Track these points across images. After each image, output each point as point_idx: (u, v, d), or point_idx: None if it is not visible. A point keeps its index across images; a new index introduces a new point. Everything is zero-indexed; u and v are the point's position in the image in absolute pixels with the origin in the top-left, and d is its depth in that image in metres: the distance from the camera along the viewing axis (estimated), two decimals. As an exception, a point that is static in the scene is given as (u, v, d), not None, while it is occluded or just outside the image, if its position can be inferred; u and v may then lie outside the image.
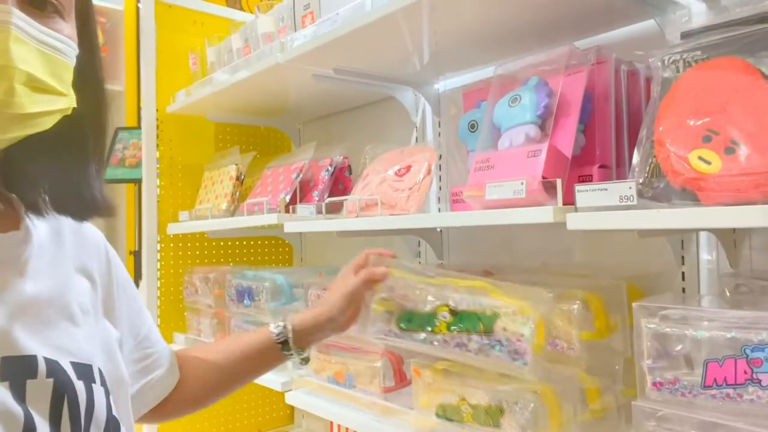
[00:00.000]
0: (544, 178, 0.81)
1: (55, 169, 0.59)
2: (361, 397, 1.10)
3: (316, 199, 1.39)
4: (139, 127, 3.28)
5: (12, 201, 0.60)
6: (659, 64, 0.74)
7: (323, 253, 1.92)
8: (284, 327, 0.86)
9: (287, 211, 1.34)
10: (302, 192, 1.43)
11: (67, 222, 0.63)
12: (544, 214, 0.75)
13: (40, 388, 0.50)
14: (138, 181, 3.10)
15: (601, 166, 0.92)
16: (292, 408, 2.03)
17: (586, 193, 0.72)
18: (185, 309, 1.77)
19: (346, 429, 1.32)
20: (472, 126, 1.08)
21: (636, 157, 0.71)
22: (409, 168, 1.15)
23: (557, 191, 0.77)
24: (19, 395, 0.49)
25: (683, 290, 1.05)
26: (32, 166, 0.58)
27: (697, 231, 0.97)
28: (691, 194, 0.64)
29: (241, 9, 3.01)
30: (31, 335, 0.52)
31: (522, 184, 0.79)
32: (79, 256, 0.64)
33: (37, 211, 0.60)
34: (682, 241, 1.05)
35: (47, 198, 0.60)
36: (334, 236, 1.24)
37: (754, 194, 0.58)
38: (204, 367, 0.83)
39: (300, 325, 0.87)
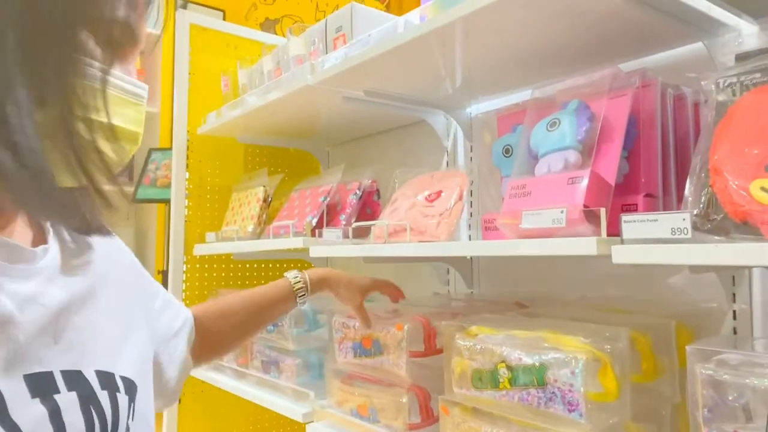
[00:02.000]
0: (585, 206, 0.76)
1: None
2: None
3: (343, 223, 1.35)
4: (171, 148, 3.34)
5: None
6: (713, 87, 0.69)
7: (349, 278, 1.88)
8: (303, 280, 1.04)
9: (313, 234, 1.31)
10: (329, 215, 1.40)
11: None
12: (587, 245, 0.70)
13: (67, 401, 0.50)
14: (169, 201, 3.14)
15: (646, 195, 0.86)
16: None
17: (633, 224, 0.66)
18: (209, 332, 1.75)
19: (369, 465, 1.26)
20: (507, 151, 1.04)
21: (689, 187, 0.66)
22: (440, 193, 1.11)
23: (601, 221, 0.72)
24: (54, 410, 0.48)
25: (734, 331, 0.98)
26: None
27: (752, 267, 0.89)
28: (753, 228, 0.58)
29: (274, 34, 3.06)
30: (52, 349, 0.51)
31: (562, 212, 0.74)
32: (105, 263, 0.64)
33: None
34: (734, 277, 0.97)
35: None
36: (360, 261, 1.20)
37: (829, 230, 0.52)
38: (227, 324, 0.93)
39: (315, 277, 1.05)
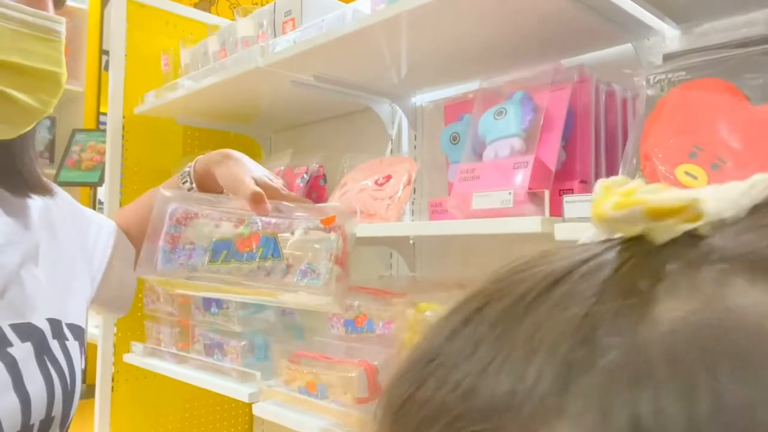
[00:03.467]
0: (530, 189, 0.82)
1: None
2: (335, 408, 1.07)
3: (291, 206, 1.36)
4: (97, 129, 3.18)
5: None
6: (644, 82, 0.77)
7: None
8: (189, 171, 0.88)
9: (262, 217, 1.31)
10: (276, 199, 1.40)
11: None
12: (532, 224, 0.76)
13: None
14: (94, 185, 3.00)
15: (581, 181, 0.94)
16: (251, 420, 1.97)
17: (573, 204, 0.73)
18: (144, 317, 1.71)
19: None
20: (454, 138, 1.09)
21: (621, 171, 0.73)
22: (389, 178, 1.15)
23: (545, 202, 0.78)
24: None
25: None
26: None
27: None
28: (678, 208, 0.66)
29: (209, 13, 2.98)
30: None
31: (510, 194, 0.80)
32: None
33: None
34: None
35: None
36: (308, 244, 1.22)
37: (739, 209, 0.60)
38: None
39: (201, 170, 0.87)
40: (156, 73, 1.78)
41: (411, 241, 1.47)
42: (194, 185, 0.85)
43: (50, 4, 0.51)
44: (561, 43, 1.12)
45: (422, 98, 1.52)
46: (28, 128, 0.52)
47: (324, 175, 1.51)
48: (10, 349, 0.48)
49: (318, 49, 1.15)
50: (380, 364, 1.07)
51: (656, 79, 0.75)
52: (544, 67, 0.97)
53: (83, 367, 0.58)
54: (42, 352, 0.50)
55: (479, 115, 0.98)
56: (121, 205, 1.75)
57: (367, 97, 1.50)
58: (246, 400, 1.23)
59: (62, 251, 0.63)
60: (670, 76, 0.74)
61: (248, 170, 0.81)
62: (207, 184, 0.85)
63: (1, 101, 0.48)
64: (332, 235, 0.78)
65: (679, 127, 0.69)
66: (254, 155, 2.00)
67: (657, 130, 0.71)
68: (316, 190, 1.50)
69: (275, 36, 1.39)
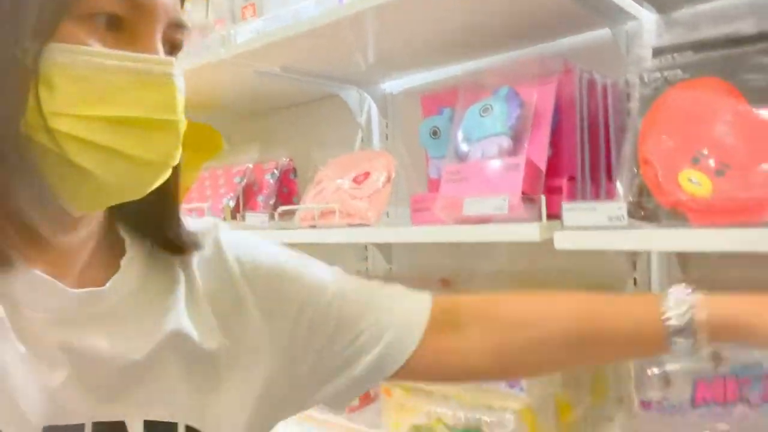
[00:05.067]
0: (524, 193, 0.79)
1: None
2: (323, 418, 1.04)
3: (262, 204, 1.30)
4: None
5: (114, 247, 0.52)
6: (637, 80, 0.74)
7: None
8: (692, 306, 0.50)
9: (234, 218, 1.25)
10: (245, 197, 1.34)
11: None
12: (530, 231, 0.73)
13: None
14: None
15: (569, 178, 0.91)
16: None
17: (573, 212, 0.70)
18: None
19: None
20: (435, 132, 1.05)
21: (620, 176, 0.71)
22: (367, 175, 1.10)
23: (541, 208, 0.75)
24: None
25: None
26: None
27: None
28: (682, 216, 0.64)
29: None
30: (93, 397, 0.45)
31: (504, 200, 0.77)
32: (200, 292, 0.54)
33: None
34: (635, 262, 1.07)
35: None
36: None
37: (746, 217, 0.59)
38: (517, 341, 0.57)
39: (719, 314, 0.50)
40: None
41: (387, 234, 1.43)
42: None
43: (159, 46, 0.44)
44: (537, 29, 1.09)
45: (392, 85, 1.47)
46: (154, 185, 0.46)
47: (294, 169, 1.45)
48: None
49: (285, 40, 1.08)
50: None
51: (651, 78, 0.73)
52: (527, 58, 0.94)
53: None
54: None
55: (463, 111, 0.94)
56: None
57: (334, 84, 1.44)
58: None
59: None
60: (665, 74, 0.72)
61: None
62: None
63: (120, 160, 0.43)
64: None
65: (678, 130, 0.67)
66: (216, 145, 1.92)
67: (655, 132, 0.69)
68: (287, 185, 1.44)
69: (234, 22, 1.30)
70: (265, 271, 0.57)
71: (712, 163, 0.63)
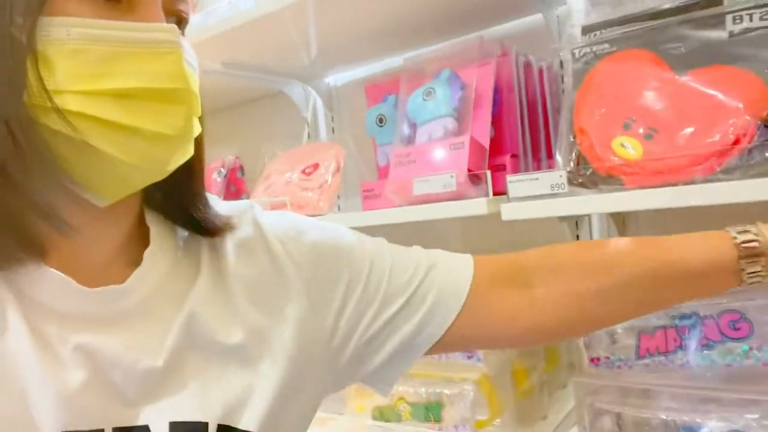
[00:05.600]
0: (469, 170, 0.82)
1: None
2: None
3: (210, 204, 1.28)
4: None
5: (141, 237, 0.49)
6: (569, 56, 0.78)
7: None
8: (758, 234, 0.50)
9: (181, 219, 1.22)
10: (193, 197, 1.31)
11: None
12: (478, 206, 0.76)
13: None
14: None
15: (512, 156, 0.95)
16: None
17: (517, 184, 0.73)
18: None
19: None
20: (381, 120, 1.07)
21: (558, 147, 0.74)
22: (316, 166, 1.11)
23: (487, 182, 0.78)
24: None
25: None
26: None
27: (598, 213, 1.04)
28: (617, 179, 0.68)
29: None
30: (114, 402, 0.43)
31: (452, 177, 0.79)
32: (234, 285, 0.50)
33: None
34: (576, 222, 1.13)
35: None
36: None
37: (676, 176, 0.63)
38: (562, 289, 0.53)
39: None
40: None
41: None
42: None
43: (161, 15, 0.42)
44: (473, 16, 1.12)
45: (336, 78, 1.47)
46: (172, 162, 0.44)
47: (241, 167, 1.43)
48: None
49: (225, 33, 1.07)
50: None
51: (581, 53, 0.77)
52: (466, 42, 0.97)
53: None
54: None
55: (406, 96, 0.96)
56: None
57: (277, 80, 1.43)
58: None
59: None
60: (594, 49, 0.75)
61: None
62: None
63: (133, 136, 0.40)
64: None
65: (609, 99, 0.71)
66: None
67: (588, 104, 0.73)
68: (234, 183, 1.42)
69: (171, 20, 1.28)
70: (309, 250, 0.53)
71: (641, 128, 0.67)
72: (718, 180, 0.62)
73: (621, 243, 0.55)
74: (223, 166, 1.36)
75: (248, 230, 0.52)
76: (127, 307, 0.45)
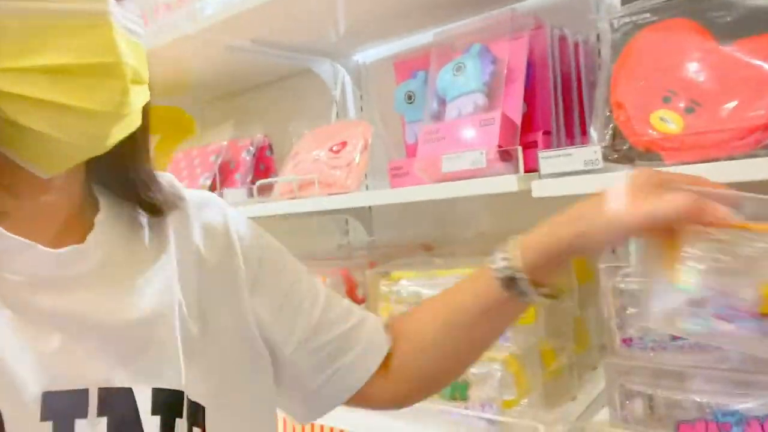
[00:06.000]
0: (500, 146, 0.80)
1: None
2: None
3: (239, 182, 1.29)
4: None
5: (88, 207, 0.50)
6: (608, 27, 0.75)
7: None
8: (507, 258, 0.53)
9: (211, 196, 1.23)
10: (222, 175, 1.32)
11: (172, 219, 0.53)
12: (508, 182, 0.74)
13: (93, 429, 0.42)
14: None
15: (544, 132, 0.92)
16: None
17: (549, 160, 0.71)
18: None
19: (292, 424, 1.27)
20: (409, 97, 1.05)
21: (594, 121, 0.72)
22: (344, 144, 1.10)
23: (518, 159, 0.76)
24: None
25: (613, 250, 1.10)
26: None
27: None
28: (655, 155, 0.65)
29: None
30: (95, 362, 0.44)
31: (482, 154, 0.77)
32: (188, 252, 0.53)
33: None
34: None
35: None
36: (262, 221, 1.16)
37: (717, 151, 0.61)
38: (413, 343, 0.60)
39: (532, 248, 0.52)
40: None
41: (368, 206, 1.43)
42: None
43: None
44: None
45: (365, 55, 1.46)
46: (111, 137, 0.43)
47: (270, 145, 1.44)
48: (78, 421, 0.41)
49: (255, 9, 1.06)
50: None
51: (620, 23, 0.73)
52: (498, 16, 0.94)
53: None
54: (123, 428, 0.43)
55: (436, 72, 0.94)
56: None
57: (306, 57, 1.42)
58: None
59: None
60: (634, 18, 0.72)
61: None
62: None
63: (65, 114, 0.40)
64: None
65: (649, 71, 0.68)
66: (187, 128, 1.89)
67: (627, 76, 0.70)
68: (263, 162, 1.43)
69: (201, -3, 1.28)
70: (260, 253, 0.57)
71: (682, 101, 0.65)
72: (761, 155, 0.59)
73: (422, 306, 0.63)
74: (251, 145, 1.36)
75: (217, 218, 0.56)
76: (92, 268, 0.46)
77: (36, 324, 0.42)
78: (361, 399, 0.60)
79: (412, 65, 1.07)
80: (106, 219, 0.49)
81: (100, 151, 0.45)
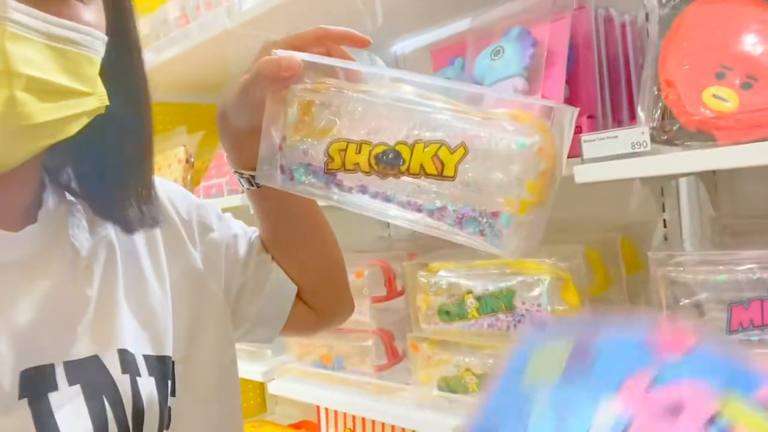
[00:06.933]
0: (541, 131, 0.77)
1: (93, 177, 0.54)
2: (352, 378, 1.04)
3: (279, 175, 1.30)
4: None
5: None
6: (656, 2, 0.71)
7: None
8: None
9: (252, 190, 1.24)
10: (263, 169, 1.33)
11: None
12: (549, 168, 0.71)
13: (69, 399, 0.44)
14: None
15: (588, 117, 0.88)
16: (263, 398, 1.95)
17: (593, 143, 0.68)
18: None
19: (335, 413, 1.27)
20: (447, 85, 1.03)
21: (641, 101, 0.68)
22: (382, 134, 1.09)
23: (560, 144, 0.73)
24: (45, 412, 0.43)
25: (665, 237, 1.05)
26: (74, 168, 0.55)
27: (687, 175, 0.96)
28: (708, 135, 0.61)
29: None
30: (59, 338, 0.46)
31: (521, 139, 0.74)
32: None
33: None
34: (662, 188, 1.04)
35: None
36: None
37: (778, 129, 0.56)
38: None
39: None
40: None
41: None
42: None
43: (81, 12, 0.43)
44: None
45: (403, 46, 1.44)
46: (19, 154, 0.43)
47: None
48: (52, 394, 0.44)
49: (291, 3, 1.06)
50: (395, 328, 1.04)
51: (668, -3, 0.69)
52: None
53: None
54: (100, 391, 0.46)
55: (473, 58, 0.91)
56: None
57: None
58: (260, 379, 1.19)
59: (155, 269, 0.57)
60: (684, -9, 0.68)
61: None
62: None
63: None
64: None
65: (701, 46, 0.64)
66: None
67: (676, 52, 0.66)
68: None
69: (241, -6, 1.29)
70: (195, 217, 0.63)
71: (737, 77, 0.60)
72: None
73: None
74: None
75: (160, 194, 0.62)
76: (43, 249, 0.48)
77: (5, 304, 0.45)
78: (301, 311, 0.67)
79: (450, 52, 1.04)
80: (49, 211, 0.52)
81: (11, 164, 0.43)
